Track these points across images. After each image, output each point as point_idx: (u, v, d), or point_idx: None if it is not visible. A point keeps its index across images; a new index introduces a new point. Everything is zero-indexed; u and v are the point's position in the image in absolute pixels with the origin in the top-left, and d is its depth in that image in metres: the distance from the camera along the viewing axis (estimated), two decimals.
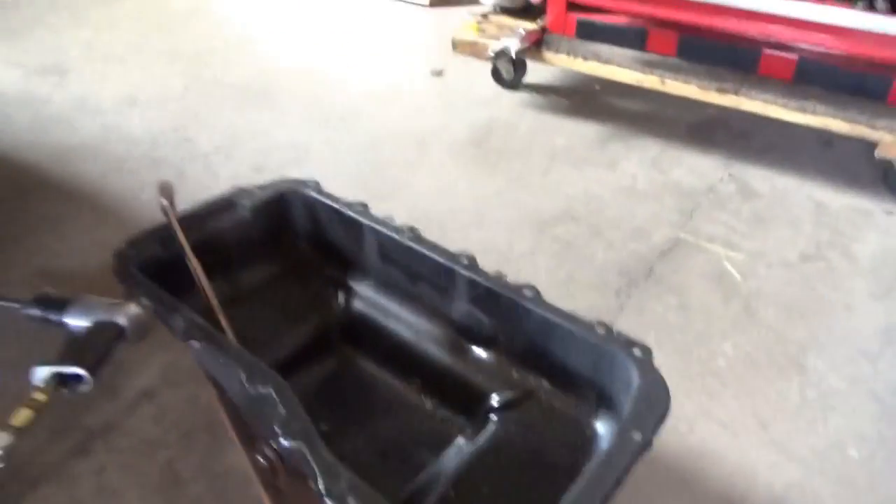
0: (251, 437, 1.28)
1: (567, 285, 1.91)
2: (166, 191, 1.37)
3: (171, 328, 1.23)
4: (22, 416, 1.34)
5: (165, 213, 1.38)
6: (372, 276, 1.54)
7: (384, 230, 1.43)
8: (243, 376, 1.11)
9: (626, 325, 1.76)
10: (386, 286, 1.52)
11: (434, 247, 1.38)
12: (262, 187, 1.55)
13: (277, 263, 1.58)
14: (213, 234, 1.46)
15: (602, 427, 1.21)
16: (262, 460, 1.25)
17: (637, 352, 1.16)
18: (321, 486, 0.94)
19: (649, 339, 1.74)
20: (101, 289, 1.45)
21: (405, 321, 1.49)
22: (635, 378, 1.12)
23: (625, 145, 2.56)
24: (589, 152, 2.53)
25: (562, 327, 1.22)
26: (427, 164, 2.42)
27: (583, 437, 1.22)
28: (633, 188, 2.32)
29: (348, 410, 1.40)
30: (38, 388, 1.40)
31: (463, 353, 1.40)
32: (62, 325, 1.61)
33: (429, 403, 1.39)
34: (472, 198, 2.27)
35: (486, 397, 1.32)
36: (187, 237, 1.39)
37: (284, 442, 1.01)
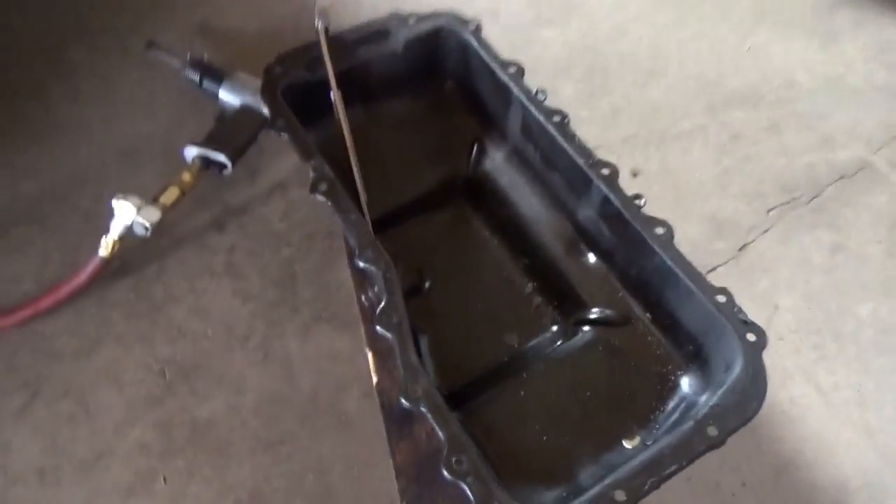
0: (361, 279, 1.37)
1: (717, 181, 1.74)
2: (323, 16, 1.30)
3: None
4: (170, 194, 1.49)
5: (318, 35, 1.32)
6: (510, 144, 1.47)
7: (532, 108, 1.32)
8: (355, 246, 1.15)
9: (763, 250, 1.63)
10: (521, 159, 1.46)
11: (579, 146, 1.28)
12: (420, 18, 1.43)
13: (421, 100, 1.52)
14: (361, 62, 1.41)
15: (687, 384, 1.20)
16: (365, 302, 1.36)
17: (751, 336, 1.09)
18: (402, 385, 1.02)
19: (780, 276, 1.67)
20: (253, 57, 1.50)
21: (529, 201, 1.44)
22: (738, 364, 1.08)
23: (856, 16, 2.10)
24: (806, 16, 2.10)
25: (682, 281, 1.15)
26: None
27: (666, 385, 1.22)
28: (843, 81, 1.95)
29: (453, 267, 1.44)
30: (186, 169, 1.53)
31: (577, 254, 1.37)
32: (215, 98, 1.70)
33: (529, 287, 1.40)
34: (649, 45, 2.00)
35: (586, 307, 1.32)
36: (335, 63, 1.35)
37: (378, 328, 1.08)
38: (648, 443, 1.14)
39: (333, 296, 1.53)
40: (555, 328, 1.35)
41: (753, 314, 1.54)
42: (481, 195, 1.50)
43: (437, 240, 1.48)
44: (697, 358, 1.20)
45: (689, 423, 1.02)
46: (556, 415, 1.21)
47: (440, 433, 0.98)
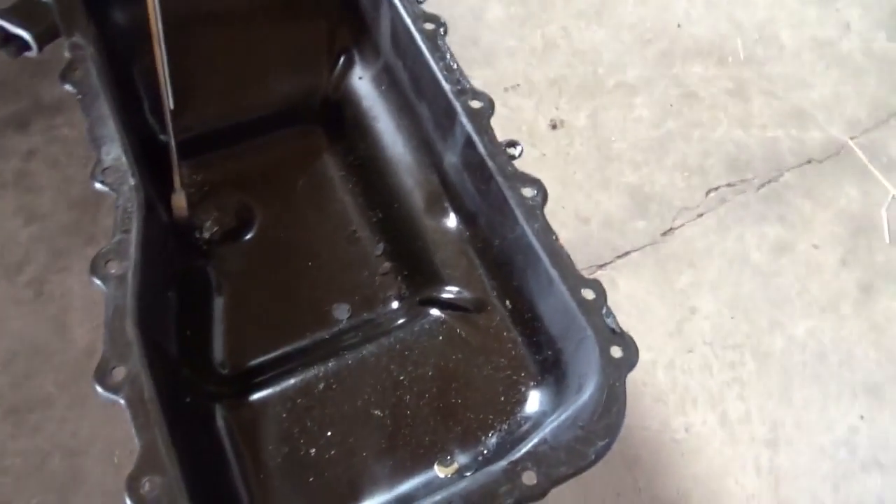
0: None
1: (653, 148, 1.42)
2: None
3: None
4: None
5: None
6: (381, 60, 1.14)
7: (401, 9, 0.99)
8: (95, 159, 0.83)
9: (692, 238, 1.32)
10: (391, 81, 1.13)
11: (448, 66, 0.95)
12: None
13: None
14: None
15: (538, 401, 0.90)
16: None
17: (616, 351, 0.79)
18: (100, 363, 0.72)
19: (707, 273, 1.31)
20: None
21: (394, 137, 1.12)
22: (590, 387, 0.78)
23: None
24: None
25: (546, 267, 0.84)
26: None
27: (512, 398, 0.92)
28: (834, 45, 1.61)
29: (290, 210, 1.13)
30: None
31: (439, 213, 1.05)
32: None
33: (379, 249, 1.09)
34: None
35: (441, 283, 1.02)
36: None
37: (93, 278, 0.76)
38: (468, 473, 0.85)
39: None
40: (396, 305, 1.05)
41: (663, 316, 1.27)
42: (340, 122, 1.18)
43: (276, 172, 1.16)
44: (555, 368, 0.90)
45: (503, 463, 0.72)
46: (363, 419, 0.91)
47: (136, 439, 0.68)
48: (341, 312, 1.05)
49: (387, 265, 1.08)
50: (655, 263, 1.28)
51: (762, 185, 1.40)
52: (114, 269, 0.76)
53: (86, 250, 1.19)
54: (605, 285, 1.22)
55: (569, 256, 0.84)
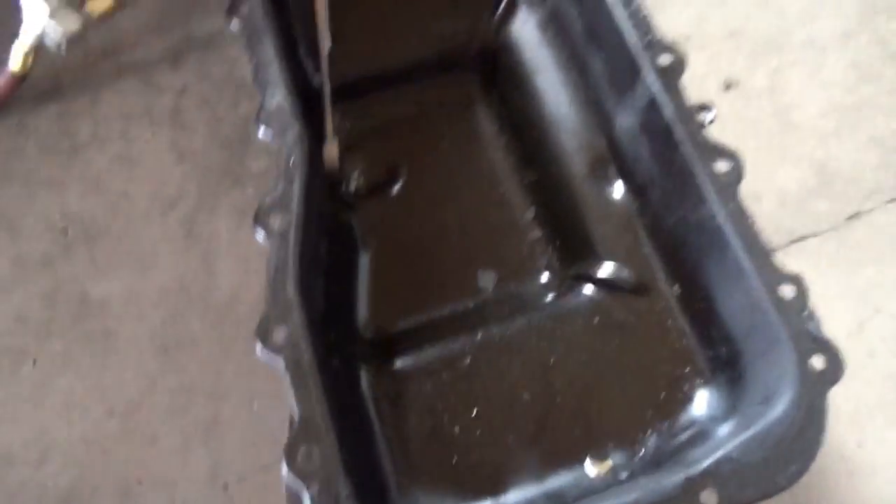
0: None
1: (843, 117, 1.22)
2: None
3: None
4: (101, 2, 1.16)
5: None
6: (548, 5, 1.03)
7: None
8: (260, 105, 0.79)
9: (881, 227, 1.15)
10: (559, 29, 1.02)
11: (635, 14, 0.84)
12: None
13: None
14: None
15: (706, 402, 0.81)
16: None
17: (818, 362, 0.68)
18: (261, 323, 0.69)
19: (886, 270, 1.10)
20: None
21: (557, 92, 1.02)
22: (784, 400, 0.68)
23: None
24: None
25: (733, 251, 0.73)
26: None
27: (675, 395, 0.83)
28: None
29: (438, 164, 1.06)
30: None
31: (603, 180, 0.96)
32: None
33: (530, 214, 1.01)
34: None
35: (597, 258, 0.93)
36: None
37: (258, 230, 0.73)
38: (622, 475, 0.78)
39: None
40: (546, 277, 0.97)
41: (841, 313, 1.12)
42: (498, 71, 1.09)
43: (426, 124, 1.09)
44: (730, 368, 0.80)
45: (677, 477, 0.65)
46: (510, 401, 0.86)
47: (293, 407, 0.66)
48: (487, 280, 0.99)
49: (538, 233, 1.00)
50: (837, 252, 1.12)
51: None
52: (277, 223, 0.73)
53: (232, 192, 1.18)
54: None
55: (767, 245, 0.74)
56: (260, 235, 0.73)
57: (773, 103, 1.24)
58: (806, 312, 0.70)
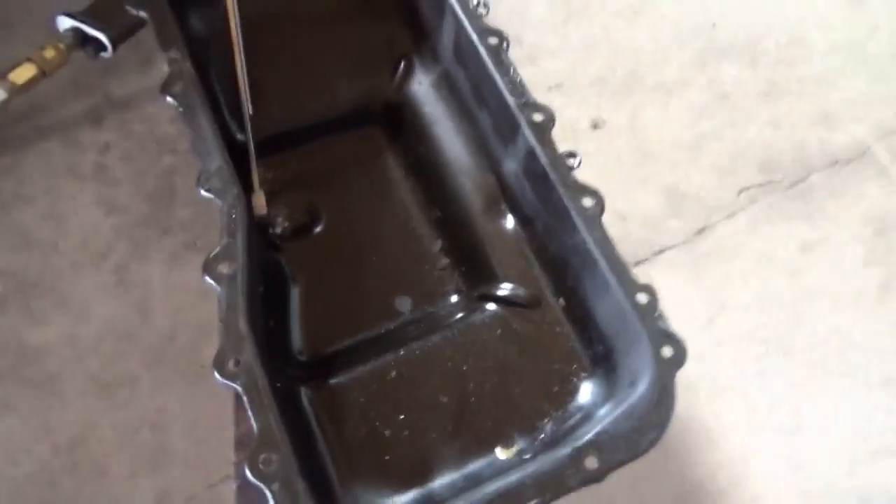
0: None
1: (689, 147, 1.49)
2: None
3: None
4: (23, 71, 1.22)
5: None
6: (441, 66, 1.21)
7: (465, 22, 1.06)
8: (201, 169, 0.92)
9: (724, 237, 1.40)
10: (451, 88, 1.20)
11: (513, 80, 1.03)
12: None
13: None
14: None
15: (590, 391, 1.00)
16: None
17: (667, 351, 0.88)
18: (217, 353, 0.81)
19: (737, 269, 1.38)
20: None
21: (453, 140, 1.20)
22: (644, 381, 0.87)
23: None
24: None
25: (601, 269, 0.93)
26: None
27: (565, 388, 1.01)
28: (862, 47, 1.65)
29: (354, 207, 1.21)
30: (51, 44, 1.26)
31: (496, 214, 1.14)
32: None
33: (438, 245, 1.18)
34: None
35: (496, 280, 1.10)
36: None
37: (206, 278, 0.85)
38: (526, 456, 0.95)
39: (214, 221, 1.30)
40: (455, 298, 1.14)
41: (695, 310, 1.36)
42: (400, 125, 1.25)
43: (341, 172, 1.24)
44: (606, 362, 0.99)
45: (566, 450, 0.82)
46: (431, 404, 1.01)
47: (252, 422, 0.78)
48: (404, 305, 1.14)
49: (445, 261, 1.17)
50: (690, 260, 1.36)
51: (791, 186, 1.47)
52: (225, 269, 0.85)
53: (162, 240, 1.27)
54: (644, 281, 1.31)
55: (625, 263, 0.93)
56: (210, 283, 0.85)
57: (633, 138, 1.48)
58: (657, 313, 0.90)
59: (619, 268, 0.91)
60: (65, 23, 1.28)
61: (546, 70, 1.52)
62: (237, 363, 0.80)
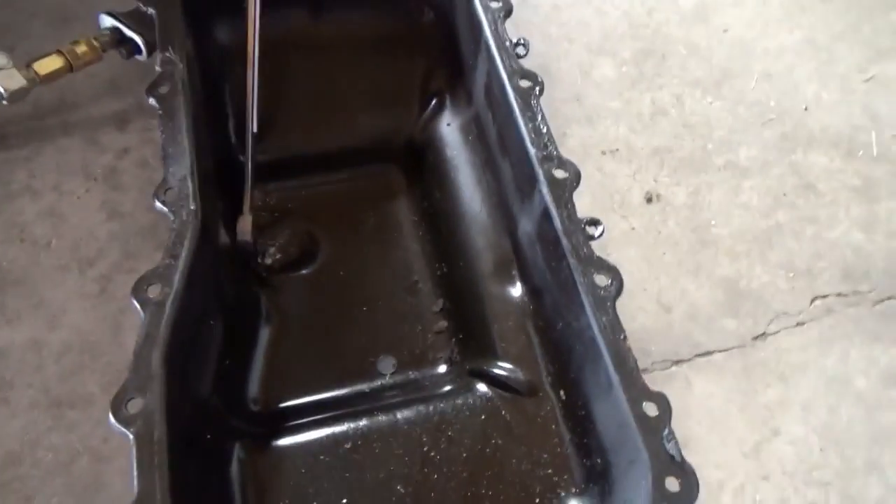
0: None
1: (758, 239, 1.28)
2: None
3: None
4: (49, 63, 1.19)
5: None
6: (473, 109, 1.08)
7: (498, 61, 0.94)
8: (163, 178, 0.82)
9: (788, 349, 1.17)
10: (479, 133, 1.07)
11: (537, 128, 0.89)
12: None
13: (385, 21, 1.13)
14: None
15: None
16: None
17: (672, 484, 0.68)
18: (118, 393, 0.69)
19: (799, 391, 1.09)
20: None
21: (473, 190, 1.06)
22: None
23: None
24: None
25: (607, 368, 0.75)
26: None
27: (548, 497, 0.83)
28: None
29: (356, 249, 1.08)
30: (84, 39, 1.24)
31: (506, 279, 0.98)
32: None
33: (438, 305, 1.03)
34: (732, 41, 1.53)
35: (494, 357, 0.94)
36: None
37: (133, 300, 0.74)
38: None
39: None
40: (444, 369, 0.98)
41: (739, 431, 1.13)
42: (421, 166, 1.13)
43: (348, 208, 1.12)
44: (603, 480, 0.80)
45: None
46: (382, 493, 0.84)
47: (134, 480, 0.65)
48: (386, 366, 0.99)
49: (442, 324, 1.02)
50: (741, 370, 1.14)
51: (880, 301, 1.23)
52: (154, 294, 0.73)
53: (155, 255, 1.19)
54: (680, 385, 1.10)
55: (635, 361, 0.75)
56: (136, 307, 0.74)
57: (691, 220, 1.29)
58: (667, 431, 0.71)
59: (626, 366, 0.74)
60: (106, 21, 1.26)
61: (604, 133, 1.37)
62: (139, 406, 0.67)
